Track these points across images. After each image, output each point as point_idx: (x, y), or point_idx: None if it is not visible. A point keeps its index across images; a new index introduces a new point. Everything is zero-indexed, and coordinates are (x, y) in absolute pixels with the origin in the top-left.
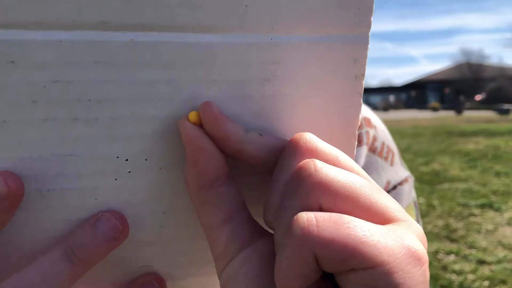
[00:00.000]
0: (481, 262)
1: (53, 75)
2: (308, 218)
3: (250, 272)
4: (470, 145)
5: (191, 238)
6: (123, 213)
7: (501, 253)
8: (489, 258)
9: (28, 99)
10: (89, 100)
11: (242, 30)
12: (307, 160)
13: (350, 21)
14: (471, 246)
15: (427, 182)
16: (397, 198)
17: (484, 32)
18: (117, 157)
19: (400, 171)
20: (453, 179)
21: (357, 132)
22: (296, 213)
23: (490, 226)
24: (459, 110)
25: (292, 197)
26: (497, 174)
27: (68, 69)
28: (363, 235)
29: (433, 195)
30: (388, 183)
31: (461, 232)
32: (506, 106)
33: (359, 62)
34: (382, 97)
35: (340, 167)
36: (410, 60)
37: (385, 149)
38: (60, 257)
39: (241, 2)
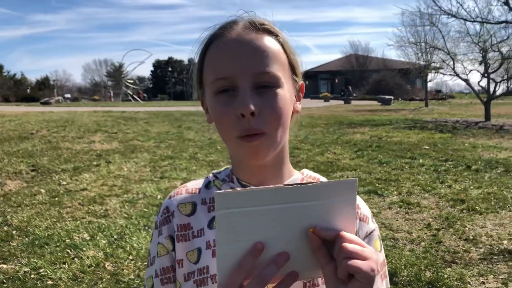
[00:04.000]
0: None
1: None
2: None
3: None
4: (358, 136)
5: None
6: None
7: (383, 232)
8: None
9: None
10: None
11: None
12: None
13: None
14: None
15: (324, 171)
16: (371, 238)
17: (370, 26)
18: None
19: (371, 225)
20: (344, 168)
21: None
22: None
23: (375, 210)
24: (347, 100)
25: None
26: (380, 163)
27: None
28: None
29: None
30: (367, 232)
31: None
32: (387, 97)
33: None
34: None
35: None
36: (304, 49)
37: (363, 217)
38: None
39: None
